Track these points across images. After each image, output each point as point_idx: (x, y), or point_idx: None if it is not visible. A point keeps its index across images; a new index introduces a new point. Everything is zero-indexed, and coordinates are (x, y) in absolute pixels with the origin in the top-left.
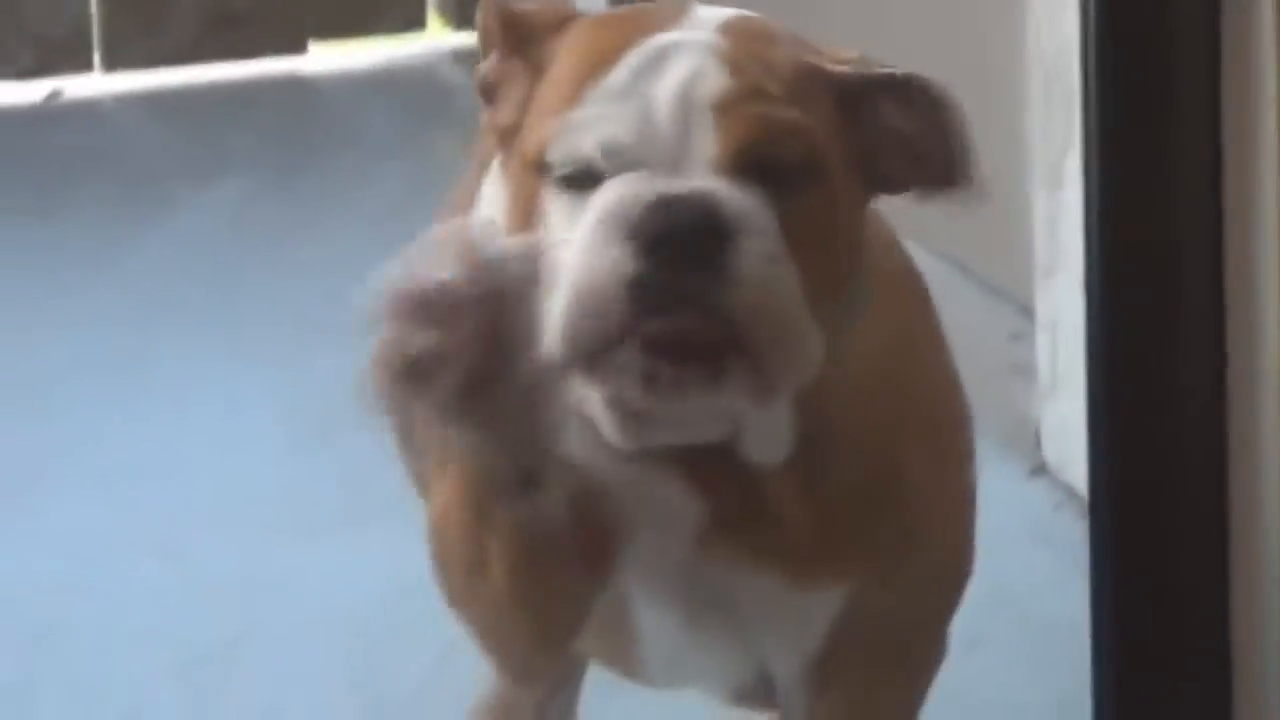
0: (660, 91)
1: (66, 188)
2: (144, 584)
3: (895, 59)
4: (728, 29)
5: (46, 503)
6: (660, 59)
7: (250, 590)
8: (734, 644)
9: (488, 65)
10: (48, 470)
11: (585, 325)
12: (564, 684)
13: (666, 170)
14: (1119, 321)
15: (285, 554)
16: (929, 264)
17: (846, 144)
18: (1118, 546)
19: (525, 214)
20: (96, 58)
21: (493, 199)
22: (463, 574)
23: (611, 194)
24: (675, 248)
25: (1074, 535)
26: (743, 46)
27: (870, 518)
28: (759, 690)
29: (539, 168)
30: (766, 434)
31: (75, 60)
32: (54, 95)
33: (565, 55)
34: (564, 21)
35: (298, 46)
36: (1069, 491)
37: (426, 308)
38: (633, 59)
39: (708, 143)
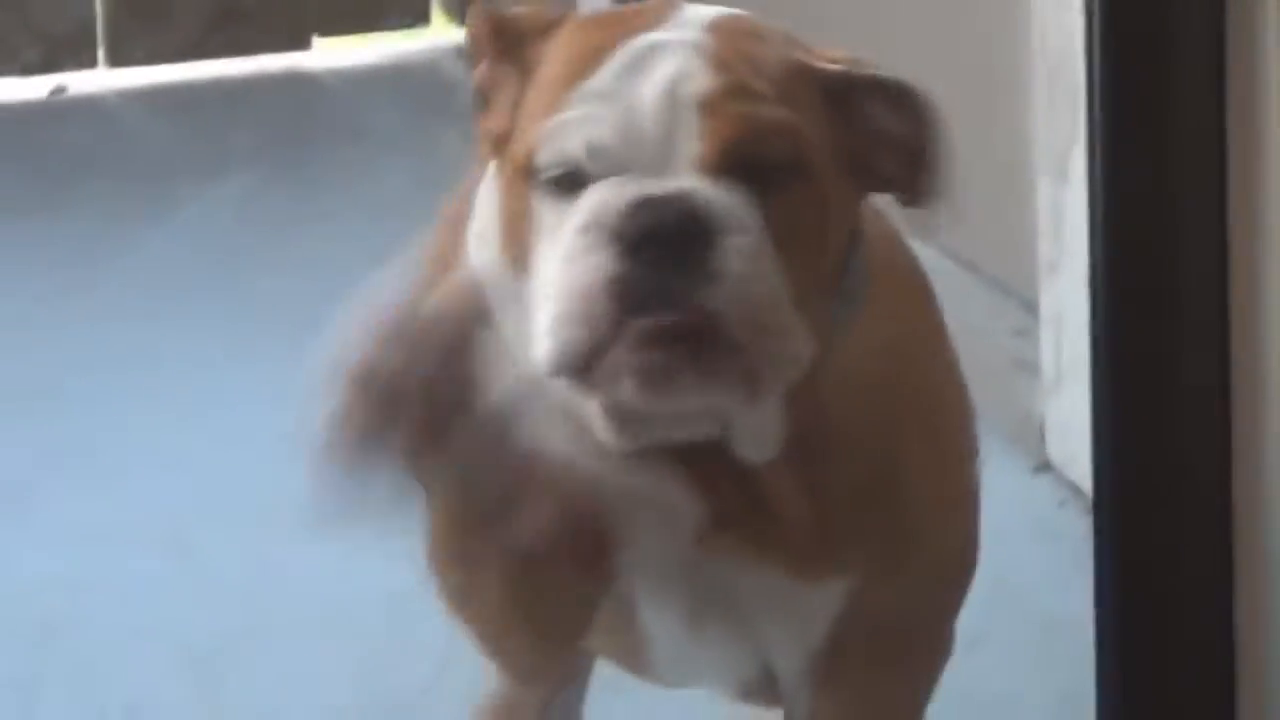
0: (645, 91)
1: (71, 183)
2: (149, 580)
3: (900, 56)
4: (715, 27)
5: (51, 499)
6: (645, 59)
7: (255, 587)
8: (738, 641)
9: (479, 73)
10: (53, 466)
11: (574, 334)
12: (570, 683)
13: (653, 170)
14: (1123, 318)
15: (290, 551)
16: (932, 260)
17: (836, 141)
18: (1121, 543)
19: (516, 221)
20: (101, 53)
21: (485, 207)
22: (459, 589)
23: (595, 198)
24: (659, 248)
25: (1078, 532)
26: (729, 45)
27: (870, 515)
28: (764, 686)
29: (527, 173)
30: (756, 432)
31: (80, 56)
32: (58, 91)
33: (552, 58)
34: (552, 24)
35: (302, 42)
36: (1073, 488)
37: (369, 389)
38: (618, 60)
39: (693, 142)
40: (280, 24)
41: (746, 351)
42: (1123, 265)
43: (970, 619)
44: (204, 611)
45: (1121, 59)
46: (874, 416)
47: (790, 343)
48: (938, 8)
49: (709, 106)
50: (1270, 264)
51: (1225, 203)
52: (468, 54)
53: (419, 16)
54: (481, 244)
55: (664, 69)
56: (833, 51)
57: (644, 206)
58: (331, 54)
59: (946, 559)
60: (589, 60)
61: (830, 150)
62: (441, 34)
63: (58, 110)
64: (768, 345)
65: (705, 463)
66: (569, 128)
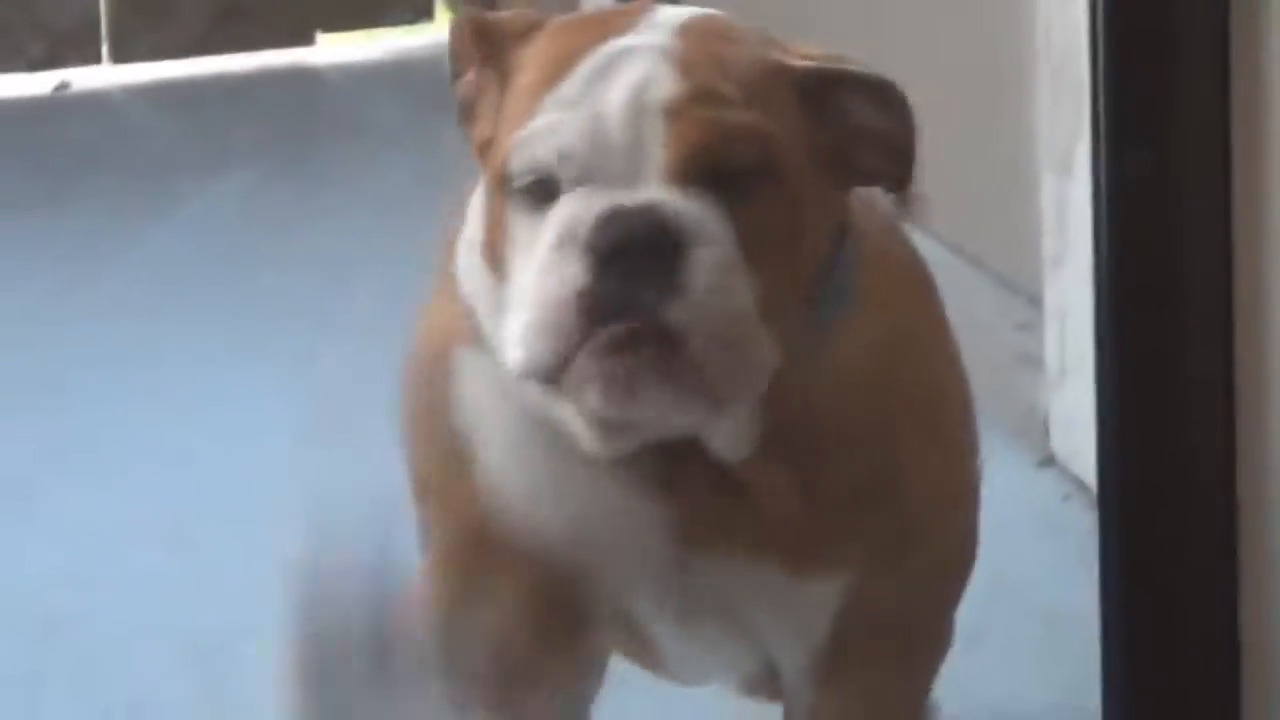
0: (612, 98)
1: (74, 179)
2: (152, 576)
3: (905, 52)
4: (685, 30)
5: (54, 494)
6: (612, 65)
7: (259, 582)
8: (737, 639)
9: (464, 83)
10: (56, 462)
11: (543, 344)
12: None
13: (622, 178)
14: (1127, 312)
15: (294, 546)
16: (935, 253)
17: (813, 139)
18: (1126, 538)
19: (495, 228)
20: (105, 49)
21: (475, 216)
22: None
23: (566, 211)
24: (628, 261)
25: (1082, 526)
26: (698, 48)
27: (868, 510)
28: (768, 681)
29: (502, 182)
30: (729, 431)
31: (84, 52)
32: (62, 86)
33: (529, 64)
34: (531, 29)
35: (305, 38)
36: (1077, 483)
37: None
38: (586, 66)
39: (660, 149)
40: (283, 20)
41: (706, 368)
42: (1127, 260)
43: (974, 614)
44: (207, 607)
45: (1125, 54)
46: (870, 412)
47: (753, 355)
48: (943, 4)
49: (675, 112)
50: (1274, 258)
51: (1229, 197)
52: (450, 64)
53: (422, 12)
54: (470, 250)
55: (629, 75)
56: (808, 48)
57: (614, 219)
58: (334, 50)
59: (946, 554)
60: (561, 66)
61: (806, 149)
62: (444, 30)
63: (61, 106)
64: (729, 359)
65: (687, 463)
66: (539, 136)
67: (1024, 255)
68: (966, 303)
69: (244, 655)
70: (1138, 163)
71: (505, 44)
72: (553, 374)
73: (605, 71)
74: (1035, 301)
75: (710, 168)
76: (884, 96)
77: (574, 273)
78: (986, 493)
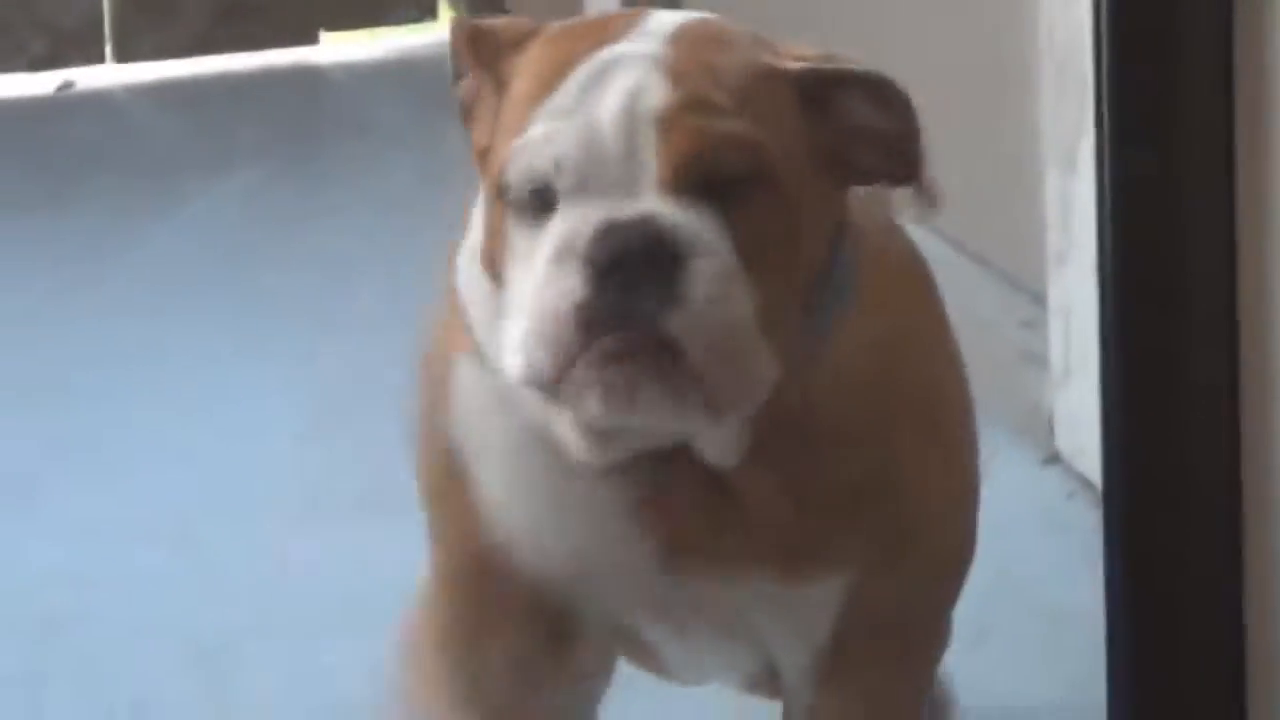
0: (605, 108)
1: (78, 179)
2: (155, 575)
3: (909, 51)
4: (677, 37)
5: (58, 493)
6: (605, 74)
7: (263, 582)
8: (734, 642)
9: (463, 87)
10: (59, 461)
11: (542, 354)
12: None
13: (619, 188)
14: (1132, 309)
15: (298, 544)
16: (939, 251)
17: (810, 142)
18: (1131, 535)
19: (494, 237)
20: (108, 48)
21: (476, 224)
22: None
23: (563, 224)
24: (626, 273)
25: (1087, 524)
26: (690, 55)
27: (866, 510)
28: (769, 679)
29: (500, 192)
30: (720, 440)
31: (87, 51)
32: (66, 86)
33: (523, 72)
34: (526, 36)
35: (309, 37)
36: (1082, 480)
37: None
38: (579, 75)
39: (653, 158)
40: (287, 19)
41: (706, 378)
42: (1131, 257)
43: (978, 611)
44: (211, 606)
45: (1129, 51)
46: (869, 411)
47: (753, 366)
48: (946, 3)
49: (665, 121)
50: (1278, 255)
51: (1233, 194)
52: (451, 64)
53: (426, 11)
54: (470, 258)
55: (621, 84)
56: (802, 49)
57: (611, 231)
58: (338, 49)
59: (946, 553)
60: (555, 75)
61: (803, 152)
62: (448, 29)
63: (65, 105)
64: (729, 370)
65: (678, 472)
66: (535, 146)
67: (1028, 253)
68: (970, 300)
69: (247, 654)
70: (1142, 160)
71: (500, 51)
72: (551, 382)
73: (598, 80)
74: (1039, 299)
75: (703, 176)
76: (883, 94)
77: (572, 286)
78: (990, 491)
